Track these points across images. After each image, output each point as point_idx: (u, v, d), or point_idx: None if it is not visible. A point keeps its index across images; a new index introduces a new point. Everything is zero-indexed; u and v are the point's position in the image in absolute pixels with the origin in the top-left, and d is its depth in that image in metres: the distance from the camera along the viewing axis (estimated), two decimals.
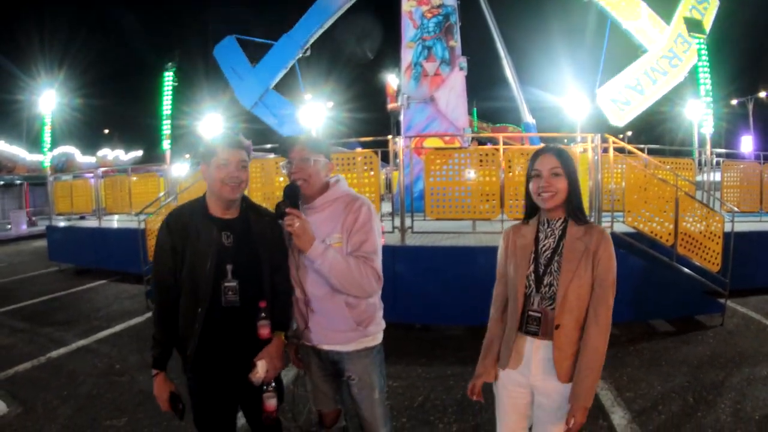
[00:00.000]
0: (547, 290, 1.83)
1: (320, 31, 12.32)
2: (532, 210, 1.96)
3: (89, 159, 27.04)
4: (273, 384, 1.95)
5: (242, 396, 2.04)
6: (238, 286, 1.94)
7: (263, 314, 1.95)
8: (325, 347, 2.12)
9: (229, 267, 1.95)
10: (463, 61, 11.42)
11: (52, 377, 4.37)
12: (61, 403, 3.85)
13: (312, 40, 12.21)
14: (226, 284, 1.94)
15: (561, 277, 1.80)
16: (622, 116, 10.50)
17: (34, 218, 20.97)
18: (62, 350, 5.07)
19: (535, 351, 1.85)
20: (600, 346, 1.76)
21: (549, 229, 1.90)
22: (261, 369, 1.89)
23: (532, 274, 1.87)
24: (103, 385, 4.15)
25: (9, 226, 19.55)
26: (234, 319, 1.95)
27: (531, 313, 1.86)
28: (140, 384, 4.12)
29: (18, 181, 24.73)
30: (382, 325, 2.20)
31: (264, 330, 1.95)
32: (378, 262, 2.04)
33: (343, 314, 2.05)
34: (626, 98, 10.62)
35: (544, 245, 1.89)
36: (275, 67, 12.14)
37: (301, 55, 12.23)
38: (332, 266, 1.93)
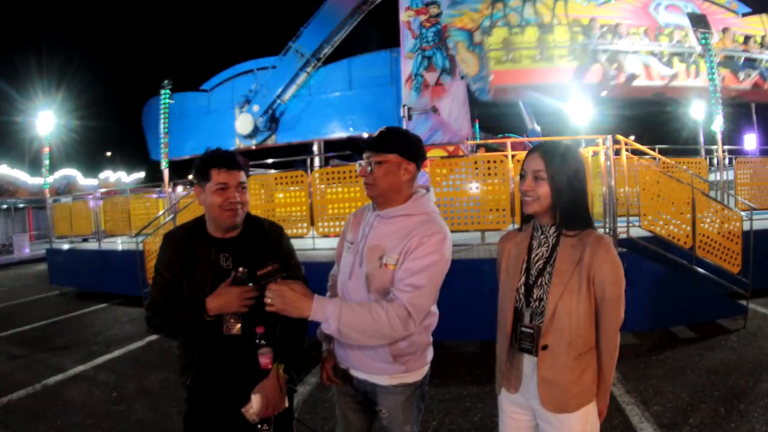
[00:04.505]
0: (537, 305, 1.62)
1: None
2: (527, 215, 1.73)
3: (91, 181, 26.89)
4: (270, 422, 1.73)
5: None
6: (240, 314, 1.76)
7: (262, 341, 1.71)
8: (357, 374, 1.84)
9: None
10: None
11: (47, 406, 4.16)
12: None
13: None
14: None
15: (551, 291, 1.58)
16: None
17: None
18: (59, 377, 4.87)
19: (534, 370, 1.64)
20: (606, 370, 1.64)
21: (543, 236, 1.68)
22: (255, 404, 1.67)
23: (522, 287, 1.67)
24: (99, 415, 3.93)
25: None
26: (236, 349, 1.77)
27: (523, 329, 1.64)
28: (138, 413, 3.90)
29: (21, 205, 24.70)
30: (428, 359, 1.89)
31: (264, 359, 1.72)
32: (421, 300, 1.66)
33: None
34: None
35: (537, 254, 1.68)
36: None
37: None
38: (341, 327, 1.56)
